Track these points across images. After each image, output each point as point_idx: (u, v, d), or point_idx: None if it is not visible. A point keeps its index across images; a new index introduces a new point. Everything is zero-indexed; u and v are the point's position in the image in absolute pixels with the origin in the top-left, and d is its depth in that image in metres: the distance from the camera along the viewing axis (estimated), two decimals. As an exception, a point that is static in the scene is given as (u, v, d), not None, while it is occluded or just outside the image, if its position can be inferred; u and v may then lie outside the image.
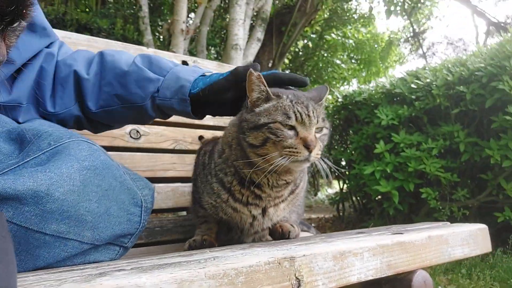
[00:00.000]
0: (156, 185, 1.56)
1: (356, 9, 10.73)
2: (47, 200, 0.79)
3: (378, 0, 10.81)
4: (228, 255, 0.76)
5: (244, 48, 4.92)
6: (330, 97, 5.27)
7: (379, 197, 4.17)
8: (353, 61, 11.43)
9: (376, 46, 11.21)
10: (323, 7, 8.95)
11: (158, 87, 1.16)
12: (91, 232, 0.87)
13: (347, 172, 4.54)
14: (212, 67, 1.96)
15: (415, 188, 3.63)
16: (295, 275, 0.74)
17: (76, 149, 0.90)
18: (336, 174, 1.13)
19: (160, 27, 7.87)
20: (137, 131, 1.62)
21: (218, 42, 8.82)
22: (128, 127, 1.61)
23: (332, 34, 10.41)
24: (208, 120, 1.82)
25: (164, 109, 1.20)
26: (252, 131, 1.08)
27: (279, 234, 1.21)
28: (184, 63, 1.85)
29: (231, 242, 1.30)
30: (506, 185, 3.25)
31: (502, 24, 9.69)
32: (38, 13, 1.15)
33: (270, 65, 8.01)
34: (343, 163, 4.70)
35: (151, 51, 1.78)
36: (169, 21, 5.33)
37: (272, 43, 8.04)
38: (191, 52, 6.00)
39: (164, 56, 1.81)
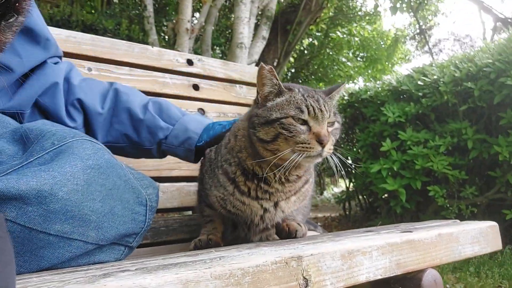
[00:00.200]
0: (162, 184, 1.56)
1: (361, 7, 10.69)
2: (51, 200, 0.78)
3: (384, -3, 10.73)
4: (234, 255, 0.74)
5: (249, 47, 4.90)
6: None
7: (386, 195, 4.14)
8: (358, 58, 11.38)
9: (381, 43, 11.15)
10: (328, 5, 8.91)
11: (167, 135, 1.28)
12: (96, 232, 0.86)
13: (355, 170, 4.51)
14: (217, 65, 1.95)
15: (422, 186, 3.60)
16: (302, 274, 0.72)
17: (79, 148, 0.89)
18: (342, 173, 1.12)
19: (165, 27, 7.88)
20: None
21: (223, 41, 8.82)
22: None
23: (338, 32, 10.37)
24: (214, 119, 1.82)
25: (168, 153, 1.33)
26: (263, 126, 1.07)
27: (285, 233, 1.19)
28: (189, 61, 1.85)
29: (237, 240, 1.29)
30: (515, 182, 3.21)
31: (509, 20, 9.59)
32: (41, 24, 1.15)
33: (275, 64, 7.98)
34: (349, 161, 4.67)
35: (156, 50, 1.77)
36: (174, 20, 5.33)
37: (277, 42, 8.02)
38: (196, 51, 6.00)
39: (169, 54, 1.81)
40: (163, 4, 8.70)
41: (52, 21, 5.97)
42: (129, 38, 6.36)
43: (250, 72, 2.08)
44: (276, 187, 1.14)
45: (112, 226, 0.89)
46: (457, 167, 3.51)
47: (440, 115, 3.82)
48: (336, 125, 1.12)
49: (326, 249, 0.78)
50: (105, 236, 0.88)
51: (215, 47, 8.29)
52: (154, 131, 1.27)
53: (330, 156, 1.07)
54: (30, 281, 0.61)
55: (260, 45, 5.40)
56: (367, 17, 10.67)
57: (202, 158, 1.38)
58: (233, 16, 5.59)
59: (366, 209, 5.27)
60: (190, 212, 1.89)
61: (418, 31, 12.24)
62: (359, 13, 10.62)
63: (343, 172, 1.11)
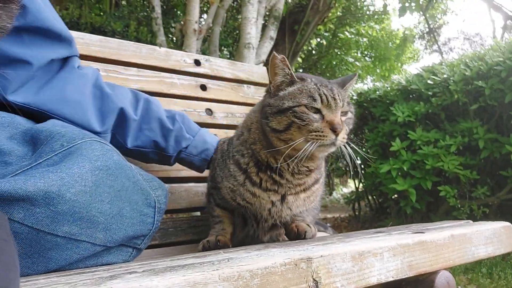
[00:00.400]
0: (170, 185, 1.55)
1: (369, 6, 10.62)
2: (59, 201, 0.78)
3: (392, -4, 10.67)
4: (242, 256, 0.73)
5: (256, 47, 4.89)
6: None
7: (396, 195, 4.10)
8: (367, 58, 11.31)
9: (390, 43, 11.07)
10: (336, 4, 8.88)
11: (188, 145, 1.41)
12: (104, 234, 0.85)
13: (365, 169, 4.47)
14: (224, 65, 1.94)
15: (432, 186, 3.56)
16: (312, 276, 0.71)
17: (88, 149, 0.89)
18: (352, 174, 1.11)
19: (173, 28, 7.90)
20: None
21: (231, 42, 8.81)
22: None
23: (346, 32, 10.32)
24: (222, 119, 1.81)
25: (184, 162, 1.45)
26: (276, 116, 1.06)
27: (294, 234, 1.18)
28: (197, 61, 1.84)
29: (246, 240, 1.28)
30: (527, 182, 3.17)
31: (520, 18, 9.48)
32: (54, 20, 1.13)
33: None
34: (359, 161, 4.64)
35: (163, 50, 1.77)
36: (181, 21, 5.34)
37: (285, 42, 8.00)
38: (204, 52, 6.00)
39: (176, 55, 1.80)
40: (171, 5, 8.73)
41: (61, 24, 5.98)
42: (138, 40, 6.38)
43: (258, 72, 2.07)
44: (287, 178, 1.13)
45: (120, 228, 0.89)
46: (468, 167, 3.46)
47: (451, 114, 3.78)
48: (349, 114, 1.12)
49: (336, 250, 0.76)
50: (113, 238, 0.88)
51: (222, 47, 8.28)
52: (179, 140, 1.39)
53: (344, 146, 1.07)
54: (37, 282, 0.60)
55: (268, 46, 5.38)
56: (375, 17, 10.61)
57: (213, 154, 1.41)
58: (240, 16, 5.58)
59: (375, 210, 5.23)
60: (198, 213, 1.88)
61: (427, 30, 12.13)
62: (367, 12, 10.56)
63: (358, 162, 1.11)
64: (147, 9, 7.59)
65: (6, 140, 0.90)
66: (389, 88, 4.40)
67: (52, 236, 0.79)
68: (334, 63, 10.60)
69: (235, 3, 8.36)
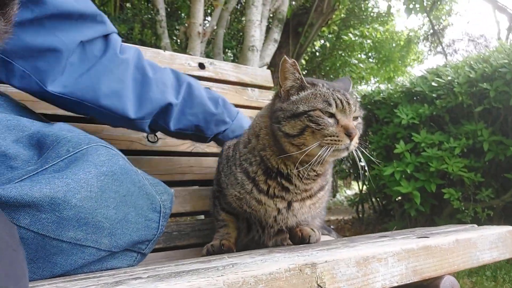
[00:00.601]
0: (174, 188, 1.55)
1: (373, 8, 10.60)
2: (64, 207, 0.78)
3: (396, -2, 10.63)
4: (247, 262, 0.73)
5: (260, 50, 4.89)
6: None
7: (400, 198, 4.08)
8: (371, 60, 11.29)
9: (394, 45, 11.04)
10: (340, 6, 8.86)
11: (227, 128, 1.47)
12: (109, 239, 0.86)
13: (370, 171, 4.45)
14: (228, 69, 1.95)
15: (437, 189, 3.54)
16: (316, 282, 0.71)
17: (94, 155, 0.89)
18: (360, 176, 1.12)
19: (178, 30, 7.91)
20: (155, 135, 1.62)
21: (235, 44, 8.82)
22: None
23: (350, 34, 10.31)
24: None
25: (218, 142, 1.52)
26: (289, 120, 1.06)
27: (299, 239, 1.18)
28: (201, 65, 1.85)
29: (251, 244, 1.28)
30: (533, 184, 3.15)
31: (525, 19, 9.43)
32: (73, 1, 1.10)
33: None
34: (362, 163, 4.61)
35: (168, 54, 1.77)
36: (186, 24, 5.34)
37: (289, 44, 8.00)
38: (208, 55, 6.01)
39: (181, 58, 1.81)
40: (175, 8, 8.74)
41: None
42: (142, 43, 6.40)
43: (262, 75, 2.07)
44: (295, 183, 1.13)
45: (125, 233, 0.89)
46: (472, 169, 3.44)
47: (455, 116, 3.77)
48: (359, 119, 1.13)
49: (340, 255, 0.76)
50: (118, 243, 0.88)
51: (226, 50, 8.29)
52: (219, 124, 1.45)
53: (355, 150, 1.07)
54: (43, 288, 0.61)
55: (272, 48, 5.38)
56: (379, 19, 10.59)
57: (218, 158, 1.41)
58: (244, 19, 5.59)
59: (379, 212, 5.22)
60: (202, 217, 1.89)
61: (431, 31, 12.09)
62: (371, 14, 10.54)
63: (362, 164, 1.11)
64: (152, 12, 7.60)
65: (13, 143, 0.90)
66: (393, 90, 4.38)
67: (57, 241, 0.79)
68: (338, 65, 10.58)
69: (239, 5, 8.37)
